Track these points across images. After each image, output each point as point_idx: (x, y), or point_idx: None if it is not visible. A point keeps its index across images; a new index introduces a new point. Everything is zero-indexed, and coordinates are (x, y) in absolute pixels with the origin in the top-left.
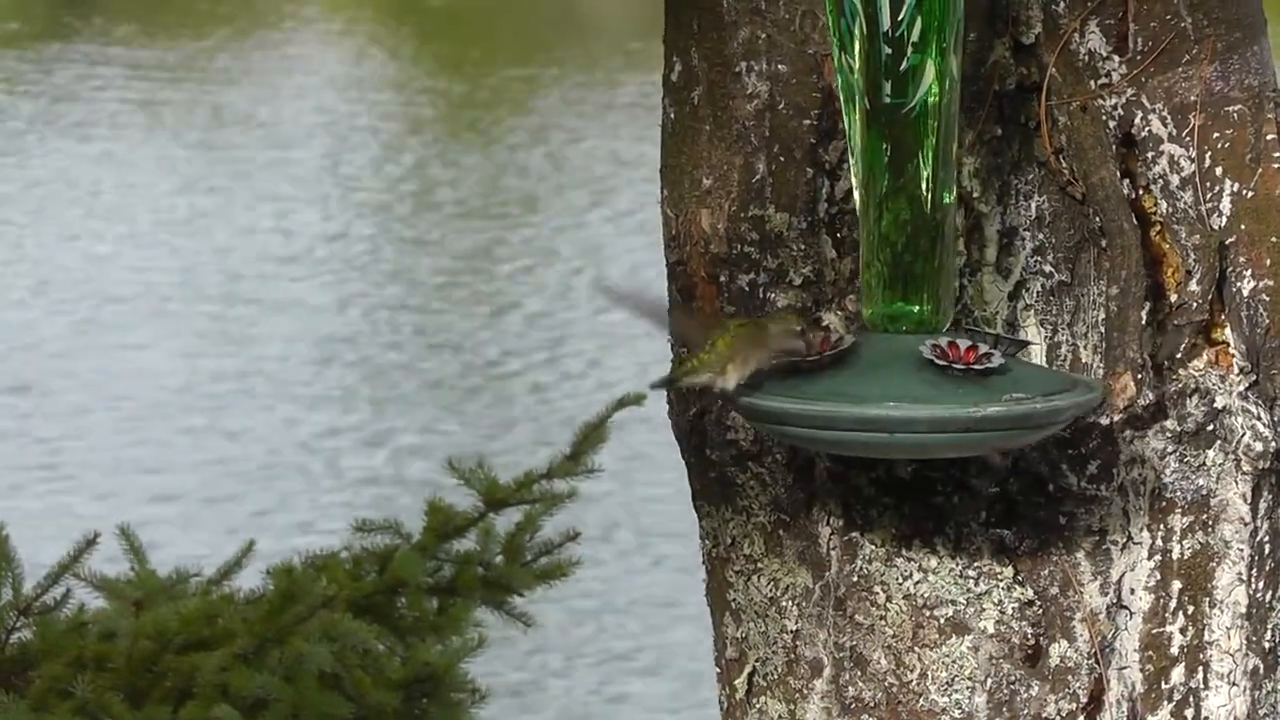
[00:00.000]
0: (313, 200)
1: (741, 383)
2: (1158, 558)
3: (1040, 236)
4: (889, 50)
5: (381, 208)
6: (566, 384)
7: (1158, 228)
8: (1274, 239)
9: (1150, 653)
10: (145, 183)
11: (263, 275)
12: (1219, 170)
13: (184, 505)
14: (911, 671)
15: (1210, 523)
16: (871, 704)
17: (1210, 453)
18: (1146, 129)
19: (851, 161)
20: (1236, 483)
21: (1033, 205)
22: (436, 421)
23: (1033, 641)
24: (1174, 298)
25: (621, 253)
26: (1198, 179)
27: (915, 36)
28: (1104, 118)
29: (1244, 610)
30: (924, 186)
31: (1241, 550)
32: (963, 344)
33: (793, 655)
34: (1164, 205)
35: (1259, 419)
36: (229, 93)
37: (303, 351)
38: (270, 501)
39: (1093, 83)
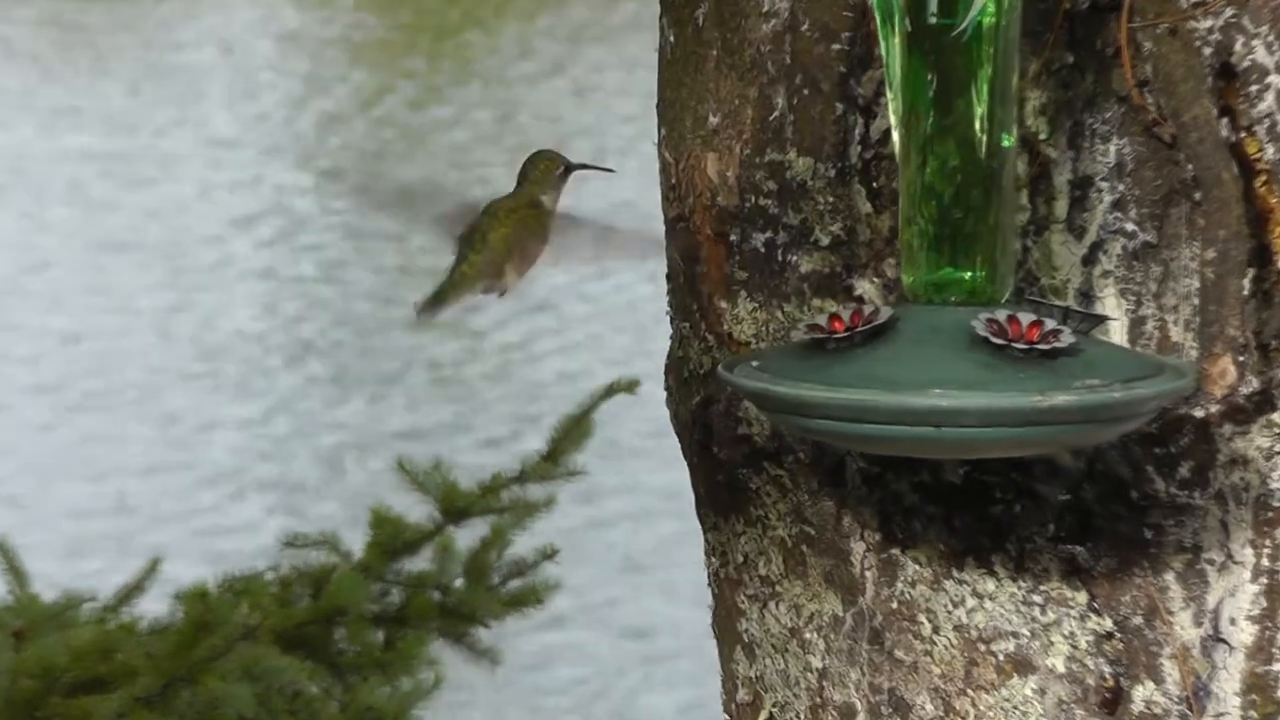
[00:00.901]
0: (270, 148)
1: (519, 277)
2: (1264, 580)
3: (1121, 188)
4: None
5: (360, 155)
6: (555, 362)
7: (1264, 178)
8: None
9: (1254, 696)
10: (46, 124)
11: (209, 239)
12: None
13: (96, 516)
14: (964, 719)
15: None
16: None
17: None
18: (1249, 57)
19: (889, 95)
20: None
21: (1111, 150)
22: (384, 410)
23: (1111, 683)
24: None
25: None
26: None
27: None
28: (1198, 43)
29: None
30: (978, 126)
31: None
32: (1025, 318)
33: (818, 699)
34: (1270, 150)
35: None
36: (159, 10)
37: (252, 329)
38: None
39: (1184, 0)
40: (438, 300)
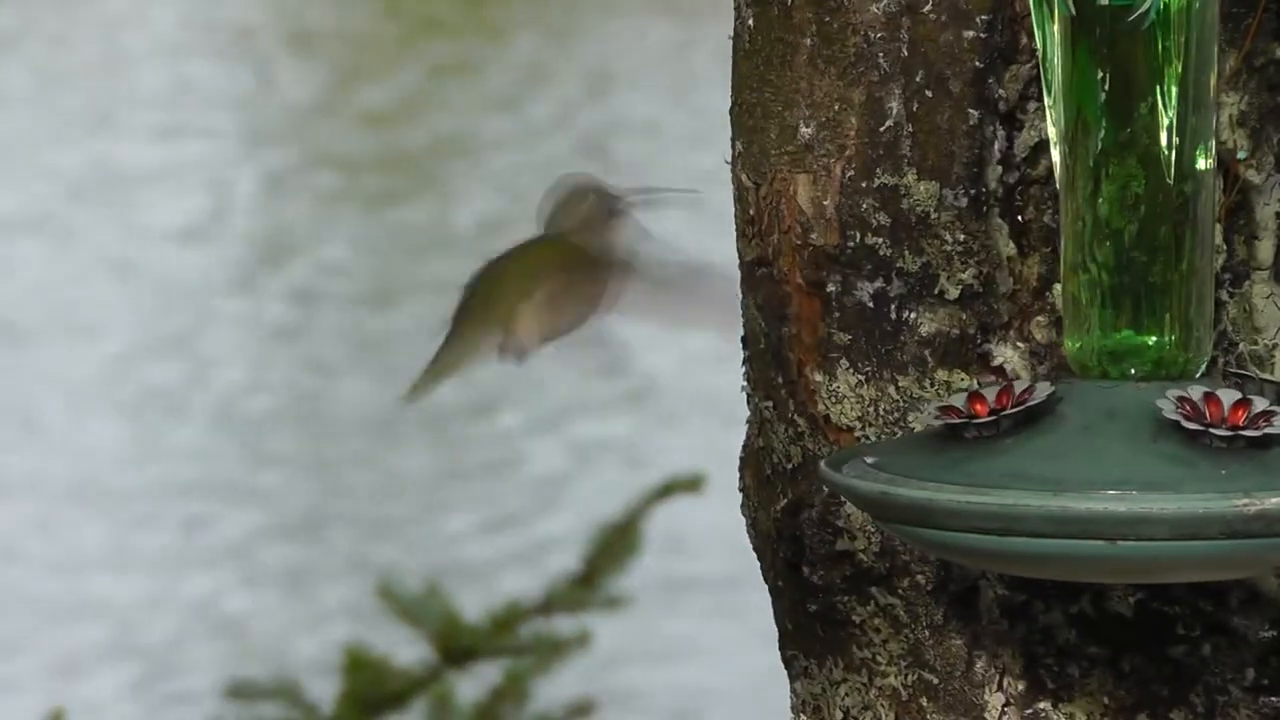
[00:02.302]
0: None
1: (548, 339)
2: None
3: None
4: None
5: (340, 164)
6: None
7: None
8: None
9: None
10: None
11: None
12: None
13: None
14: None
15: None
16: None
17: None
18: None
19: (1046, 101)
20: None
21: None
22: (362, 504)
23: None
24: None
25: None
26: None
27: None
28: None
29: None
30: (1165, 140)
31: None
32: (1228, 397)
33: None
34: None
35: None
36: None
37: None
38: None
39: None
40: (432, 374)
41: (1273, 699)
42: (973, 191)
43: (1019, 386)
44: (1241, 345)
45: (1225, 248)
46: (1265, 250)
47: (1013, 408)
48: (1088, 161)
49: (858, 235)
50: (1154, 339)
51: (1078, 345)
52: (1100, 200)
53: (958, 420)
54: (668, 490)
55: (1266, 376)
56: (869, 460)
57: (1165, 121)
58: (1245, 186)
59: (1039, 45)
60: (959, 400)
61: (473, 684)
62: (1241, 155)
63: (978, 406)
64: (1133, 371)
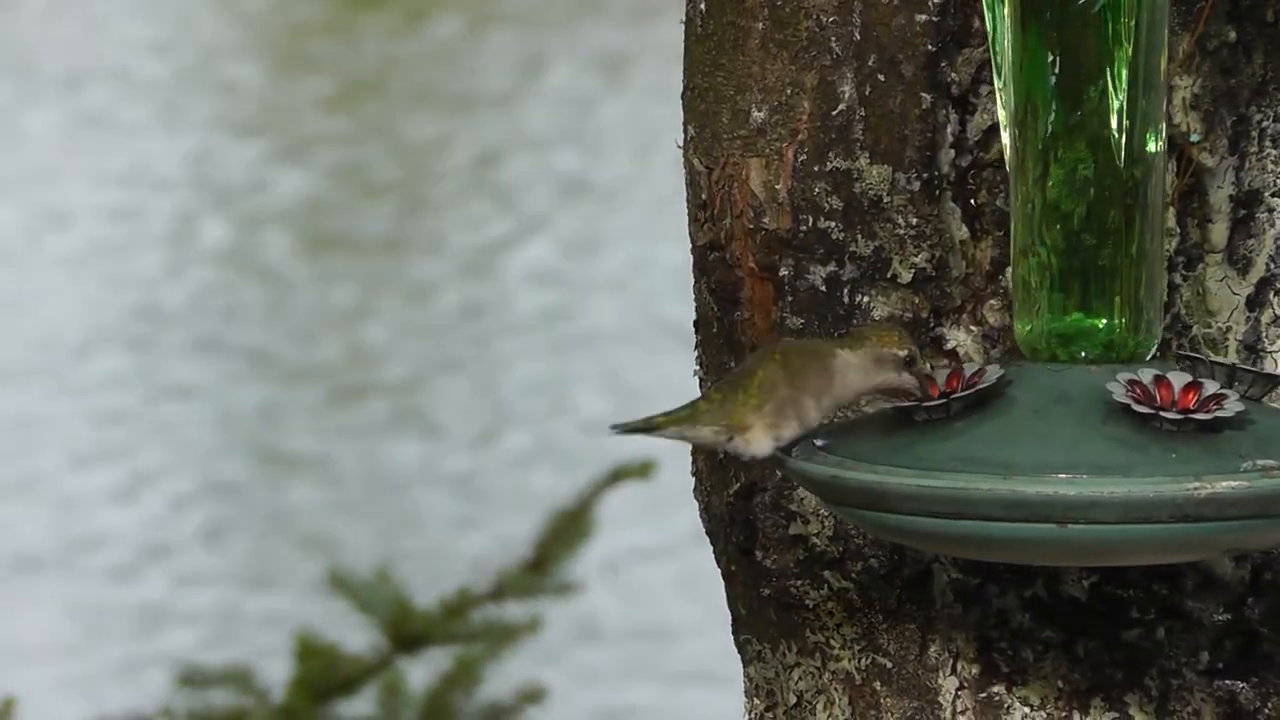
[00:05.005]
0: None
1: (781, 446)
2: None
3: None
4: None
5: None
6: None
7: None
8: None
9: None
10: None
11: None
12: None
13: None
14: None
15: None
16: None
17: None
18: None
19: (997, 84)
20: None
21: None
22: (313, 497)
23: None
24: None
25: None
26: None
27: None
28: None
29: None
30: (1115, 123)
31: None
32: (1177, 380)
33: None
34: None
35: None
36: None
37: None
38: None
39: None
40: (648, 425)
41: (1227, 682)
42: (925, 175)
43: (969, 369)
44: (1195, 328)
45: (1179, 231)
46: (1219, 233)
47: (963, 391)
48: (1037, 145)
49: (810, 219)
50: (1104, 322)
51: (1028, 328)
52: (1050, 183)
53: (909, 403)
54: (617, 477)
55: (1217, 359)
56: (819, 443)
57: (1115, 105)
58: (1199, 170)
59: (989, 28)
60: None
61: (424, 670)
62: (1195, 138)
63: (929, 389)
64: (1083, 354)
